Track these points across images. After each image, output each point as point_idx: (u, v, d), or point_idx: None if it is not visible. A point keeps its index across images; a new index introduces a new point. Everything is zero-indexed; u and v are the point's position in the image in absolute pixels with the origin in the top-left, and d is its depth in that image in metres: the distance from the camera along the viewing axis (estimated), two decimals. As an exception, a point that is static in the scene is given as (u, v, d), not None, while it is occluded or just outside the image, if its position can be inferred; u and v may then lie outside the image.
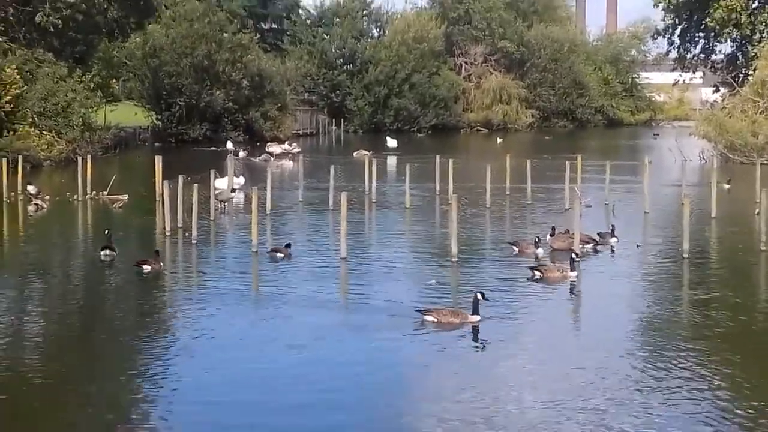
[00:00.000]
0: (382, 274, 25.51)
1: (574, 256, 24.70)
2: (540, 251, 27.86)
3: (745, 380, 16.25)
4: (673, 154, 62.97)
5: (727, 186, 43.86)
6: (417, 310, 20.17)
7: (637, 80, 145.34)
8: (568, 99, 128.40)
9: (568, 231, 29.57)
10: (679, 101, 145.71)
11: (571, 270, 24.17)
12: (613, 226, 30.86)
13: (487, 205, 38.76)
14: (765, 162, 50.63)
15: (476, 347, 18.57)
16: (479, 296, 19.99)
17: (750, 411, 14.57)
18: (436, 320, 19.66)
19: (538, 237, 28.91)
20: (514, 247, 28.45)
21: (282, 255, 27.27)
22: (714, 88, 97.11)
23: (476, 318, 19.72)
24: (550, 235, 29.47)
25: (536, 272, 24.59)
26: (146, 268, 25.30)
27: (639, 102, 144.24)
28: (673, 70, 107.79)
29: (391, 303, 21.76)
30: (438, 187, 43.06)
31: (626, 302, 22.37)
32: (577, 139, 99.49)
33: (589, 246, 28.72)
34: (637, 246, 29.97)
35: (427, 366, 17.19)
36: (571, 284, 23.80)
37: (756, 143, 63.06)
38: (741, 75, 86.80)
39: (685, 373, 16.39)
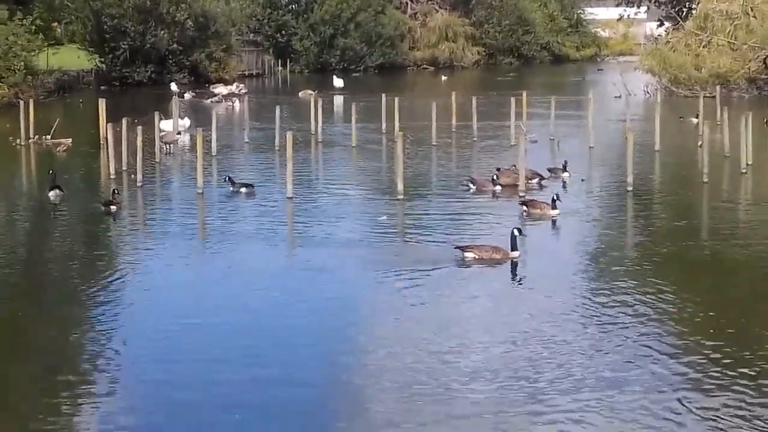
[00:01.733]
0: (329, 213, 25.56)
1: (555, 196, 24.59)
2: (498, 188, 27.99)
3: (687, 300, 16.59)
4: (618, 88, 63.30)
5: (695, 120, 43.78)
6: (456, 247, 20.25)
7: (582, 16, 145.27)
8: (514, 36, 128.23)
9: (513, 167, 29.74)
10: (623, 36, 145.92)
11: (552, 209, 24.22)
12: (565, 161, 31.08)
13: (434, 143, 38.86)
14: (708, 95, 50.99)
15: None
16: (516, 232, 20.07)
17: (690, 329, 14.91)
18: (477, 257, 19.76)
19: (495, 174, 28.95)
20: (471, 185, 28.51)
21: (246, 190, 27.93)
22: (658, 23, 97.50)
23: (516, 254, 19.84)
24: (496, 171, 29.66)
25: (524, 207, 24.70)
26: (113, 208, 25.57)
27: (584, 38, 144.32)
28: (617, 5, 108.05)
29: (339, 239, 21.93)
30: (384, 126, 43.06)
31: (574, 237, 22.62)
32: (523, 75, 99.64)
33: (535, 181, 28.92)
34: (582, 180, 30.28)
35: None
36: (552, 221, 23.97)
37: (699, 77, 63.56)
38: (684, 9, 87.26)
39: (627, 298, 16.72)
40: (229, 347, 14.79)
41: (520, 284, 18.89)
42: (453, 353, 14.30)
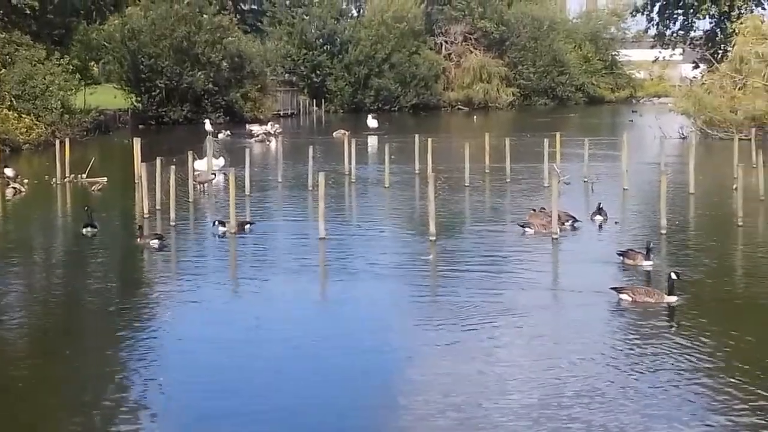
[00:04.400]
0: (361, 253, 25.55)
1: (650, 244, 23.60)
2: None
3: (729, 346, 16.43)
4: (653, 130, 63.11)
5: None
6: (612, 288, 20.11)
7: (617, 58, 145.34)
8: (549, 77, 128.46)
9: (543, 209, 29.62)
10: (659, 78, 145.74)
11: (646, 259, 23.21)
12: (599, 203, 30.92)
13: (466, 184, 38.83)
14: (743, 137, 50.76)
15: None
16: (674, 275, 19.69)
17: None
18: (631, 299, 19.53)
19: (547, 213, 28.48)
20: (527, 229, 28.08)
21: (225, 229, 27.93)
22: (693, 65, 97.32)
23: (673, 299, 19.47)
24: (531, 213, 29.61)
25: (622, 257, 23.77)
26: (153, 242, 26.14)
27: (619, 79, 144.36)
28: (652, 47, 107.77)
29: (371, 278, 21.96)
30: (418, 167, 43.10)
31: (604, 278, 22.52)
32: (558, 117, 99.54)
33: (568, 224, 28.78)
34: (616, 222, 30.13)
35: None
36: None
37: (734, 119, 63.31)
38: (720, 51, 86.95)
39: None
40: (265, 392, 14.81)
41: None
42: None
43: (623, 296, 19.61)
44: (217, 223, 28.57)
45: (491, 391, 14.52)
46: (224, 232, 27.88)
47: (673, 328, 17.87)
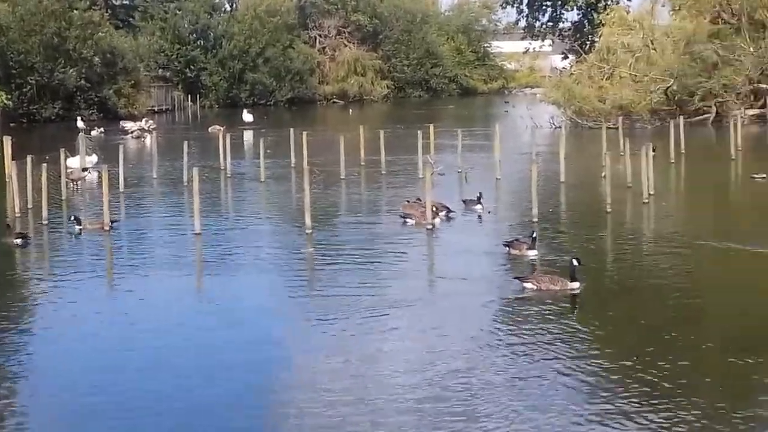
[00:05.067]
0: (236, 247, 25.59)
1: (533, 234, 23.81)
2: (437, 221, 27.94)
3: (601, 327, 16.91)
4: (525, 120, 64.18)
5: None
6: (515, 278, 20.34)
7: (488, 49, 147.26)
8: (422, 69, 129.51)
9: (419, 200, 29.99)
10: (529, 69, 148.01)
11: (530, 249, 23.39)
12: (479, 193, 31.35)
13: (342, 177, 39.05)
14: (611, 126, 52.00)
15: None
16: (576, 262, 19.93)
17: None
18: (536, 287, 19.72)
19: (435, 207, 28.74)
20: (408, 220, 28.46)
21: (81, 227, 27.55)
22: (562, 56, 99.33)
23: (576, 285, 19.72)
24: (405, 204, 29.97)
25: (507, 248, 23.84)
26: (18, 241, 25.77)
27: (491, 71, 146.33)
28: (522, 38, 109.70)
29: (247, 272, 22.04)
30: (293, 161, 43.18)
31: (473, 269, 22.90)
32: (432, 109, 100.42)
33: (442, 214, 29.10)
34: (489, 212, 30.59)
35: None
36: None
37: (602, 108, 64.78)
38: (588, 42, 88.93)
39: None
40: (139, 387, 14.76)
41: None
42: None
43: (528, 285, 19.85)
44: (73, 218, 28.14)
45: (375, 385, 14.49)
46: (80, 230, 27.47)
47: (553, 320, 18.01)
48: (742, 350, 15.64)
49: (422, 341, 16.52)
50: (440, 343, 16.33)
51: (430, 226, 27.09)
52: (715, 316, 18.35)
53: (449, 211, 29.62)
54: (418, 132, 41.68)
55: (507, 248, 23.67)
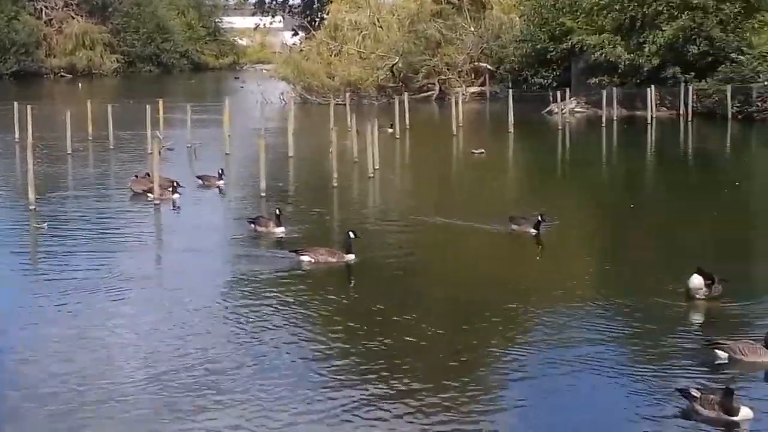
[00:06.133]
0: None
1: (277, 211, 23.92)
2: (176, 196, 27.97)
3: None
4: (255, 96, 64.65)
5: (390, 130, 44.93)
6: (292, 251, 20.32)
7: (220, 25, 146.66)
8: (153, 43, 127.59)
9: (148, 174, 29.97)
10: (261, 45, 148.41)
11: (277, 226, 23.39)
12: (221, 169, 31.55)
13: (69, 152, 38.40)
14: (339, 102, 53.15)
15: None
16: (352, 234, 20.20)
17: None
18: (313, 260, 19.88)
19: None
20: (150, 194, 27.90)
21: None
22: (293, 32, 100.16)
23: (351, 257, 20.01)
24: (133, 178, 29.94)
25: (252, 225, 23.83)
26: None
27: (222, 46, 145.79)
28: (253, 14, 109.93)
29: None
30: (17, 135, 42.07)
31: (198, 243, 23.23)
32: (163, 84, 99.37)
33: (169, 189, 29.05)
34: (218, 188, 30.79)
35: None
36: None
37: (331, 84, 66.02)
38: (317, 19, 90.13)
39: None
40: None
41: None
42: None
43: (304, 257, 20.18)
44: None
45: (110, 363, 14.35)
46: None
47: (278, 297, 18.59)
48: (466, 317, 16.80)
49: (159, 320, 16.48)
50: (183, 320, 16.31)
51: (157, 202, 27.19)
52: (435, 288, 19.34)
53: (177, 185, 29.66)
54: (147, 107, 41.44)
55: (252, 225, 23.75)
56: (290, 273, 19.54)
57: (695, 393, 12.35)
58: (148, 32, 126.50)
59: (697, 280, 17.04)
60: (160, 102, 45.60)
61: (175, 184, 29.05)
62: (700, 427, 12.07)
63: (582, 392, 13.23)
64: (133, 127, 45.62)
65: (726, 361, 14.12)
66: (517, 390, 13.26)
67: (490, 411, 12.57)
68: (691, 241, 23.03)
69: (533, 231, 22.84)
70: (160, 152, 30.47)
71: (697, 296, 17.06)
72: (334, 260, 20.19)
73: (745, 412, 12.13)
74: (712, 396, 12.27)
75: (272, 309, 16.89)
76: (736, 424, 12.09)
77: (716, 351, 14.27)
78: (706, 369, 13.93)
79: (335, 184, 30.44)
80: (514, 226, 23.35)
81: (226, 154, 38.35)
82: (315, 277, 19.52)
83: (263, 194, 28.63)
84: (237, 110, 52.34)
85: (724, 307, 16.88)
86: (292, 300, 17.52)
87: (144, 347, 14.99)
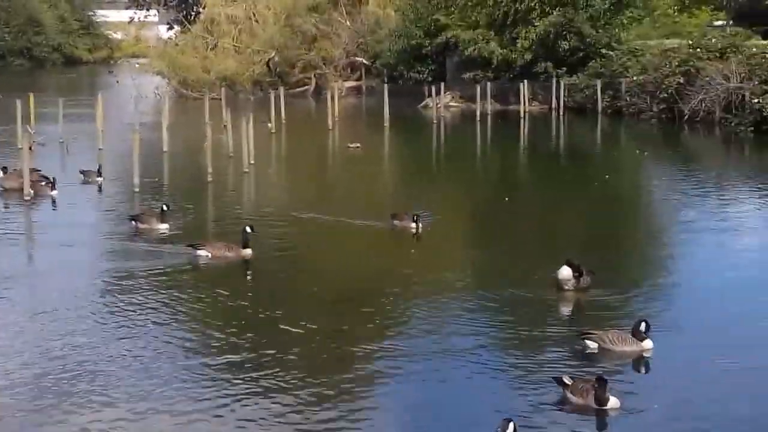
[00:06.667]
0: None
1: (164, 207, 23.43)
2: (55, 192, 27.61)
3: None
4: (130, 90, 63.84)
5: (270, 125, 44.68)
6: (189, 245, 20.20)
7: (93, 18, 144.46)
8: (24, 37, 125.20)
9: (16, 170, 29.38)
10: (135, 39, 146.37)
11: (161, 222, 23.01)
12: (99, 165, 31.07)
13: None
14: (215, 97, 52.81)
15: None
16: (248, 229, 20.24)
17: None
18: (210, 255, 19.85)
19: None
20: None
21: None
22: (168, 26, 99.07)
23: (248, 252, 20.03)
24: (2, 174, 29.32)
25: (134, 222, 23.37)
26: None
27: (96, 40, 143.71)
28: (128, 8, 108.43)
29: None
30: None
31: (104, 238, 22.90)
32: (35, 77, 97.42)
33: (43, 184, 28.55)
34: (98, 184, 30.22)
35: None
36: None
37: (207, 79, 65.52)
38: (193, 13, 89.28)
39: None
40: None
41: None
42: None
43: (201, 252, 20.11)
44: None
45: None
46: None
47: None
48: (348, 310, 16.96)
49: (31, 319, 16.26)
50: (58, 319, 16.12)
51: (27, 198, 26.72)
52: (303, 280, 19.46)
53: (48, 181, 29.10)
54: (18, 101, 40.58)
55: (134, 222, 23.29)
56: (174, 269, 19.44)
57: (567, 381, 12.64)
58: (19, 25, 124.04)
59: (566, 272, 17.46)
60: (31, 96, 44.67)
61: (52, 180, 28.47)
62: (571, 416, 12.34)
63: (458, 382, 13.45)
64: (2, 122, 44.62)
65: (596, 351, 14.43)
66: (394, 382, 13.40)
67: (364, 403, 12.69)
68: (561, 233, 23.58)
69: (413, 226, 23.09)
70: (30, 147, 29.87)
71: (566, 287, 17.47)
72: (231, 255, 20.17)
73: (613, 402, 12.41)
74: (582, 384, 12.57)
75: (153, 306, 16.80)
76: (605, 412, 12.38)
77: (586, 341, 14.56)
78: (576, 359, 14.24)
79: (210, 179, 30.29)
80: (396, 222, 23.56)
81: (99, 149, 37.79)
82: (201, 273, 19.50)
83: (137, 190, 28.33)
84: (111, 105, 51.70)
85: (593, 298, 17.30)
86: (176, 296, 17.47)
87: (13, 348, 14.66)
